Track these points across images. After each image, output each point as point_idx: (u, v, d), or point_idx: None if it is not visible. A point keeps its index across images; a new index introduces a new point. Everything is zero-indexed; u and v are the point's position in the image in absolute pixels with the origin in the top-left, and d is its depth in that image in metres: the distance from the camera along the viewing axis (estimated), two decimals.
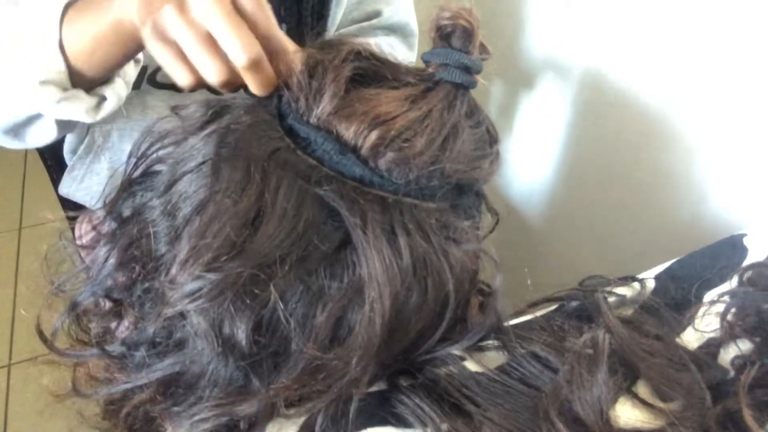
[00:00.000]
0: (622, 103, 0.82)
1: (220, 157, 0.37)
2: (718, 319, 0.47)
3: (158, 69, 0.69)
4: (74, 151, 0.76)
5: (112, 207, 0.41)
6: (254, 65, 0.41)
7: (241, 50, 0.40)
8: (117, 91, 0.54)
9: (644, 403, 0.39)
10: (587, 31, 0.86)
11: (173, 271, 0.35)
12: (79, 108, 0.52)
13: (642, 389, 0.40)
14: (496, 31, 1.02)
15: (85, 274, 0.41)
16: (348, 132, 0.37)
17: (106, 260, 0.39)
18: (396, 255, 0.35)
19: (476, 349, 0.42)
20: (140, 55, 0.56)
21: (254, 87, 0.41)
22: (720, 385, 0.42)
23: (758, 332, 0.45)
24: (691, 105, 0.73)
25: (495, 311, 0.41)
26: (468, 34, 0.39)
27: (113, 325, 0.41)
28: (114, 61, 0.51)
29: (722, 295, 0.49)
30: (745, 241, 0.57)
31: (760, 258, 0.54)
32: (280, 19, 0.70)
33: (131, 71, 0.56)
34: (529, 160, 1.05)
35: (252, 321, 0.35)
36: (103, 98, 0.54)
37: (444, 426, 0.36)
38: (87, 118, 0.53)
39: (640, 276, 0.53)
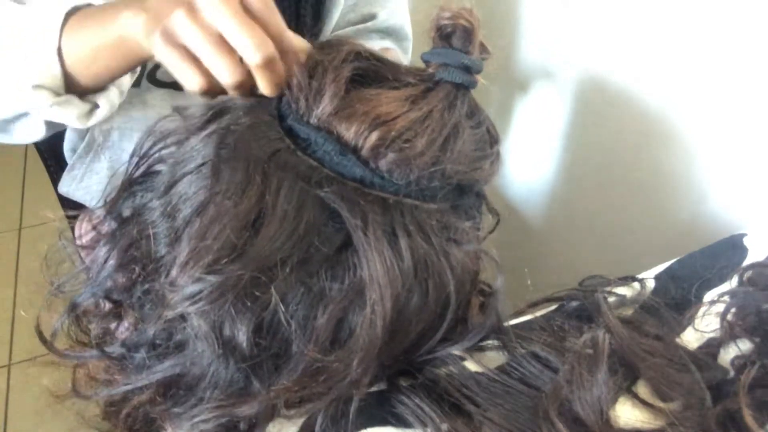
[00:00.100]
0: (622, 104, 0.82)
1: (220, 159, 0.36)
2: (718, 319, 0.47)
3: (157, 66, 0.69)
4: (74, 150, 0.76)
5: (112, 207, 0.41)
6: (268, 64, 0.40)
7: (254, 49, 0.40)
8: (110, 100, 0.54)
9: (644, 403, 0.39)
10: (587, 31, 0.86)
11: (173, 273, 0.35)
12: (71, 114, 0.52)
13: (642, 389, 0.40)
14: (496, 31, 1.02)
15: (85, 275, 0.41)
16: (348, 133, 0.37)
17: (105, 261, 0.39)
18: (397, 256, 0.35)
19: (476, 349, 0.42)
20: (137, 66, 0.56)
21: (266, 86, 0.41)
22: (720, 385, 0.42)
23: (758, 332, 0.45)
24: (690, 105, 0.73)
25: (495, 311, 0.41)
26: (468, 34, 0.39)
27: (113, 326, 0.41)
28: (112, 73, 0.51)
29: (722, 295, 0.49)
30: (745, 241, 0.57)
31: (760, 258, 0.54)
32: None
33: (127, 81, 0.56)
34: (529, 161, 1.05)
35: (253, 323, 0.35)
36: (96, 105, 0.54)
37: (444, 426, 0.36)
38: (78, 124, 0.53)
39: (640, 276, 0.53)
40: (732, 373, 0.43)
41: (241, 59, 0.41)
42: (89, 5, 0.52)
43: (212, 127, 0.38)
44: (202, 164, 0.37)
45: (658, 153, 0.79)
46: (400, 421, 0.37)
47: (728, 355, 0.45)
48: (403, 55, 0.81)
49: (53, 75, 0.50)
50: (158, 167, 0.40)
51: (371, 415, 0.37)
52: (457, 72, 0.38)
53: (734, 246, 0.57)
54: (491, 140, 0.42)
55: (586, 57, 0.87)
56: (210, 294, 0.34)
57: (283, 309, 0.34)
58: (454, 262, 0.38)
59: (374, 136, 0.36)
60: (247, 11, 0.41)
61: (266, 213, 0.35)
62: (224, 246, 0.34)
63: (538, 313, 0.47)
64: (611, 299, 0.48)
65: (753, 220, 0.69)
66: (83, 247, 0.42)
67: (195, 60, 0.42)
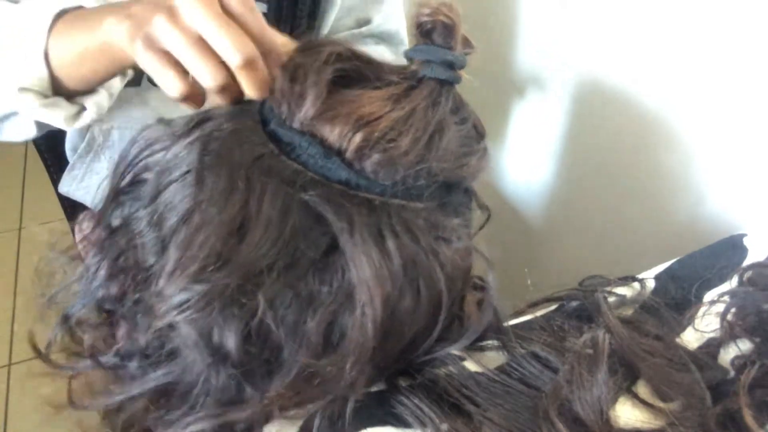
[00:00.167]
0: (621, 105, 0.82)
1: (204, 166, 0.36)
2: (718, 319, 0.47)
3: None
4: (76, 149, 0.76)
5: (101, 217, 0.40)
6: (249, 64, 0.40)
7: (234, 50, 0.40)
8: (99, 102, 0.54)
9: (644, 403, 0.39)
10: (585, 32, 0.86)
11: (160, 283, 0.35)
12: (58, 116, 0.52)
13: (642, 389, 0.40)
14: (495, 31, 1.02)
15: (78, 286, 0.40)
16: (332, 135, 0.36)
17: (96, 271, 0.39)
18: (385, 258, 0.35)
19: (476, 349, 0.42)
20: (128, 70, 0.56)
21: (250, 88, 0.41)
22: (720, 385, 0.42)
23: (758, 332, 0.45)
24: (689, 106, 0.73)
25: (492, 308, 0.41)
26: (449, 29, 0.38)
27: (106, 336, 0.41)
28: (98, 76, 0.51)
29: (722, 295, 0.49)
30: (745, 241, 0.57)
31: (760, 258, 0.54)
32: (278, 21, 0.71)
33: (117, 84, 0.56)
34: (529, 161, 1.05)
35: (241, 330, 0.34)
36: (84, 108, 0.54)
37: (444, 426, 0.36)
38: (65, 126, 0.53)
39: (640, 276, 0.53)
40: (732, 373, 0.43)
41: (223, 63, 0.41)
42: (79, 7, 0.52)
43: (195, 134, 0.38)
44: (187, 172, 0.37)
45: (658, 153, 0.79)
46: (400, 422, 0.37)
47: (728, 355, 0.45)
48: (399, 60, 0.81)
49: (40, 77, 0.50)
50: (144, 176, 0.39)
51: (371, 415, 0.37)
52: (440, 68, 0.38)
53: (734, 246, 0.57)
54: (477, 136, 0.42)
55: (585, 58, 0.87)
56: (197, 303, 0.34)
57: (271, 315, 0.34)
58: (443, 260, 0.37)
59: (358, 138, 0.36)
60: (228, 13, 0.41)
61: (251, 219, 0.34)
62: (210, 254, 0.34)
63: (538, 313, 0.47)
64: (611, 299, 0.48)
65: (753, 220, 0.69)
66: (83, 248, 0.42)
67: (177, 65, 0.42)
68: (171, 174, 0.37)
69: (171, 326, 0.35)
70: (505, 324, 0.43)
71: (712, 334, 0.46)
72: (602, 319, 0.43)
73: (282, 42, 0.44)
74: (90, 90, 0.54)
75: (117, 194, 0.40)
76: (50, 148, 0.85)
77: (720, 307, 0.47)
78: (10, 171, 1.95)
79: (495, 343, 0.42)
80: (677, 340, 0.46)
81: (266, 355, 0.35)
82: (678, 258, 0.55)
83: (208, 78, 0.41)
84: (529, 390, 0.39)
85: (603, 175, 0.89)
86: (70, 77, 0.51)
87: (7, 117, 0.55)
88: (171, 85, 0.43)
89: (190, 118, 0.40)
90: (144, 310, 0.37)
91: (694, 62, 0.71)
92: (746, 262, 0.54)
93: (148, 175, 0.39)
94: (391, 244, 0.35)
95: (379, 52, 0.78)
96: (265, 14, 0.68)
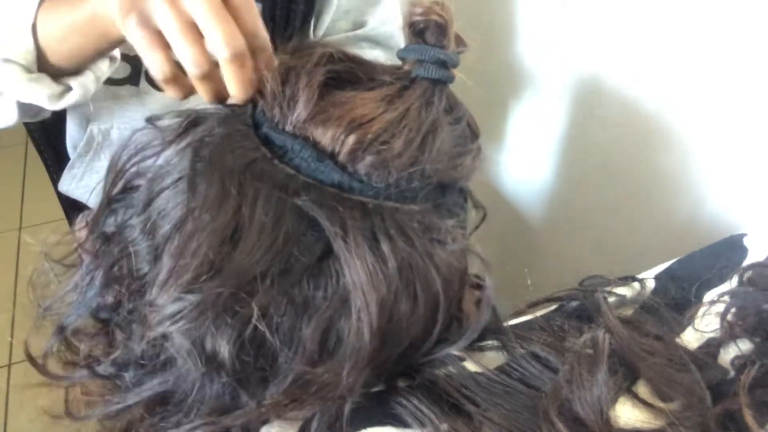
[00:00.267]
0: (620, 105, 0.82)
1: (196, 172, 0.36)
2: (718, 319, 0.46)
3: None
4: (76, 146, 0.76)
5: (94, 226, 0.40)
6: (236, 59, 0.40)
7: (223, 42, 0.39)
8: (84, 84, 0.54)
9: (644, 403, 0.39)
10: (584, 32, 0.86)
11: (153, 292, 0.35)
12: (41, 92, 0.52)
13: (642, 389, 0.40)
14: (495, 30, 1.02)
15: (73, 295, 0.40)
16: (325, 138, 0.36)
17: (91, 280, 0.39)
18: (380, 261, 0.34)
19: (476, 349, 0.41)
20: (117, 54, 0.56)
21: (233, 85, 0.40)
22: (720, 385, 0.42)
23: (758, 332, 0.45)
24: (689, 106, 0.73)
25: (490, 307, 0.41)
26: (441, 28, 0.38)
27: (103, 345, 0.41)
28: (84, 53, 0.51)
29: (722, 295, 0.49)
30: (745, 241, 0.57)
31: (760, 258, 0.54)
32: (272, 20, 0.70)
33: (105, 67, 0.55)
34: (529, 161, 1.05)
35: (235, 338, 0.34)
36: (69, 88, 0.54)
37: (443, 426, 0.36)
38: (48, 105, 0.52)
39: (640, 276, 0.53)
40: (732, 373, 0.43)
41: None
42: None
43: (187, 140, 0.37)
44: (179, 179, 0.36)
45: (658, 153, 0.79)
46: (399, 422, 0.37)
47: (728, 355, 0.45)
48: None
49: (26, 49, 0.50)
50: (137, 182, 0.39)
51: (370, 415, 0.37)
52: (433, 67, 0.38)
53: (734, 246, 0.57)
54: (472, 135, 0.42)
55: (584, 58, 0.87)
56: (190, 313, 0.33)
57: (265, 323, 0.34)
58: (439, 262, 0.37)
59: (351, 140, 0.35)
60: (227, 5, 0.41)
61: (243, 226, 0.34)
62: (203, 263, 0.34)
63: (538, 313, 0.47)
64: (611, 299, 0.48)
65: (753, 220, 0.69)
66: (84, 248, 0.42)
67: (165, 46, 0.42)
68: (163, 181, 0.37)
69: (165, 336, 0.35)
70: (505, 324, 0.43)
71: (712, 334, 0.46)
72: (602, 319, 0.43)
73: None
74: (77, 71, 0.53)
75: (109, 202, 0.40)
76: (50, 147, 0.86)
77: (720, 307, 0.47)
78: (10, 171, 1.95)
79: (495, 343, 0.42)
80: (677, 340, 0.45)
81: (261, 363, 0.35)
82: (678, 258, 0.55)
83: (190, 64, 0.41)
84: (529, 390, 0.39)
85: (603, 175, 0.89)
86: (56, 53, 0.51)
87: None
88: (157, 66, 0.42)
89: (179, 121, 0.39)
90: (138, 320, 0.37)
91: (694, 62, 0.71)
92: (746, 262, 0.54)
93: (140, 182, 0.39)
94: (385, 247, 0.35)
95: (374, 57, 0.78)
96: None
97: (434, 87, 0.38)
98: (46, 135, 0.84)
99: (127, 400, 0.37)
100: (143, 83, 0.71)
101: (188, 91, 0.44)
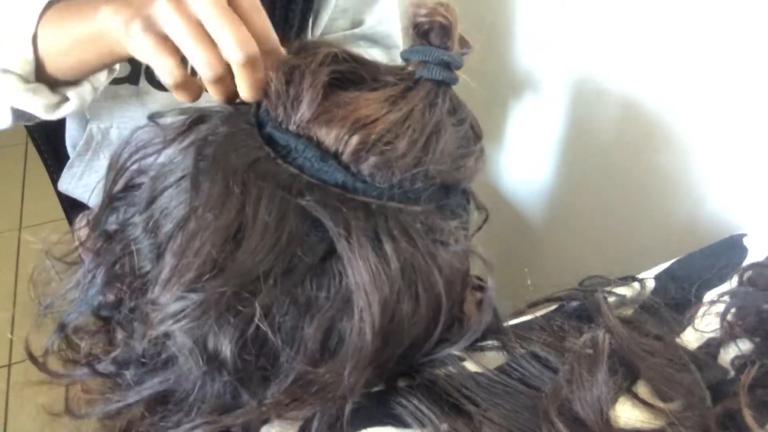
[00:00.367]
0: (620, 104, 0.82)
1: (199, 171, 0.36)
2: (718, 319, 0.46)
3: None
4: (76, 145, 0.76)
5: (95, 224, 0.40)
6: (250, 63, 0.40)
7: (238, 47, 0.39)
8: (81, 95, 0.53)
9: (644, 403, 0.39)
10: (584, 31, 0.86)
11: (156, 291, 0.35)
12: (38, 103, 0.51)
13: (642, 389, 0.40)
14: (494, 31, 1.02)
15: (74, 293, 0.40)
16: (328, 138, 0.36)
17: (93, 278, 0.39)
18: (382, 262, 0.35)
19: (476, 349, 0.41)
20: (116, 65, 0.55)
21: (246, 88, 0.40)
22: (720, 385, 0.42)
23: (758, 332, 0.45)
24: (688, 105, 0.73)
25: (491, 308, 0.41)
26: (446, 30, 0.38)
27: (104, 343, 0.40)
28: (86, 67, 0.50)
29: (722, 295, 0.49)
30: (745, 241, 0.57)
31: (760, 258, 0.54)
32: (270, 19, 0.70)
33: (103, 78, 0.55)
34: (529, 161, 1.05)
35: (237, 337, 0.34)
36: (66, 98, 0.53)
37: (443, 426, 0.36)
38: (44, 115, 0.52)
39: (640, 276, 0.53)
40: (732, 373, 0.43)
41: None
42: None
43: (190, 138, 0.37)
44: (182, 177, 0.36)
45: (658, 153, 0.79)
46: (399, 422, 0.37)
47: (728, 355, 0.45)
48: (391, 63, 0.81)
49: (25, 60, 0.49)
50: (138, 180, 0.39)
51: (370, 415, 0.37)
52: (437, 69, 0.38)
53: (734, 246, 0.57)
54: (475, 136, 0.42)
55: (584, 58, 0.87)
56: (192, 312, 0.33)
57: (267, 322, 0.34)
58: (441, 263, 0.37)
59: (355, 140, 0.35)
60: (234, 8, 0.40)
61: (247, 226, 0.34)
62: (205, 262, 0.34)
63: (538, 313, 0.47)
64: (611, 299, 0.48)
65: (753, 220, 0.69)
66: (82, 252, 0.42)
67: (174, 51, 0.41)
68: (166, 179, 0.37)
69: (166, 334, 0.35)
70: (505, 324, 0.43)
71: (712, 334, 0.46)
72: (602, 319, 0.43)
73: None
74: (74, 81, 0.53)
75: (110, 200, 0.40)
76: (50, 147, 0.86)
77: (720, 307, 0.47)
78: (10, 171, 1.95)
79: (495, 343, 0.42)
80: (677, 340, 0.46)
81: (263, 362, 0.35)
82: (678, 258, 0.55)
83: (206, 67, 0.40)
84: (529, 390, 0.39)
85: (603, 175, 0.89)
86: (56, 66, 0.50)
87: None
88: (167, 71, 0.42)
89: (183, 119, 0.39)
90: (140, 318, 0.37)
91: (694, 62, 0.71)
92: (746, 262, 0.54)
93: (142, 180, 0.39)
94: (388, 248, 0.35)
95: (372, 55, 0.78)
96: None
97: (438, 88, 0.38)
98: (46, 135, 0.84)
99: (128, 399, 0.37)
100: (143, 83, 0.70)
101: (198, 95, 0.44)
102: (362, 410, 0.37)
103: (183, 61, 0.42)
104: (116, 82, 0.70)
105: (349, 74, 0.39)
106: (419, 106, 0.37)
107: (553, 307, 0.49)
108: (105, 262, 0.38)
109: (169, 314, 0.34)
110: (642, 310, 0.48)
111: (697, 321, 0.47)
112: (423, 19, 0.38)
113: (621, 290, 0.50)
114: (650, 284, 0.51)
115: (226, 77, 0.41)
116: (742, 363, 0.43)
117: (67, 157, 0.79)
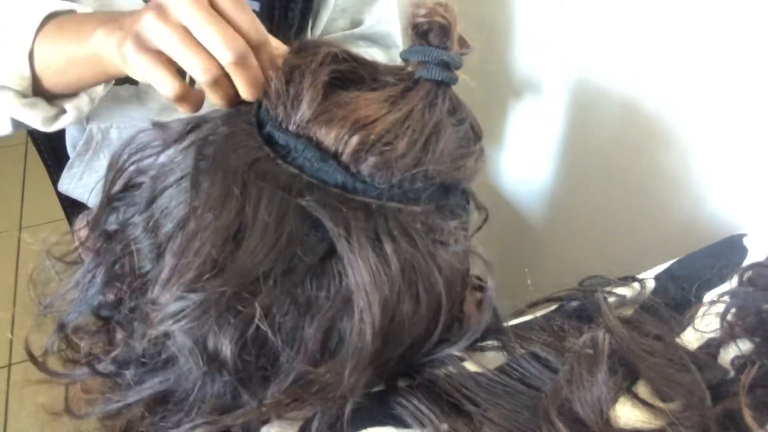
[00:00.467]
0: (620, 104, 0.82)
1: (199, 171, 0.36)
2: (718, 319, 0.46)
3: None
4: (75, 146, 0.76)
5: (95, 223, 0.40)
6: (241, 61, 0.39)
7: (225, 47, 0.39)
8: (79, 106, 0.54)
9: (644, 403, 0.39)
10: (583, 31, 0.86)
11: (156, 291, 0.35)
12: (36, 116, 0.52)
13: (642, 389, 0.40)
14: (494, 31, 1.02)
15: (74, 293, 0.40)
16: (328, 138, 0.36)
17: (93, 278, 0.39)
18: (383, 262, 0.35)
19: (476, 349, 0.41)
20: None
21: (243, 87, 0.40)
22: (720, 385, 0.42)
23: (758, 332, 0.45)
24: (688, 105, 0.73)
25: (491, 308, 0.41)
26: (445, 30, 0.38)
27: (104, 343, 0.40)
28: (84, 83, 0.51)
29: (722, 295, 0.49)
30: (745, 241, 0.57)
31: (760, 258, 0.54)
32: (270, 19, 0.70)
33: (100, 89, 0.55)
34: (528, 161, 1.05)
35: (237, 338, 0.34)
36: (63, 110, 0.53)
37: (443, 426, 0.36)
38: (42, 127, 0.53)
39: (640, 276, 0.53)
40: (732, 373, 0.43)
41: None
42: (71, 11, 0.52)
43: (191, 138, 0.37)
44: (182, 177, 0.36)
45: (658, 153, 0.79)
46: (399, 422, 0.37)
47: (728, 355, 0.45)
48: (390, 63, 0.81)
49: (22, 77, 0.50)
50: (138, 180, 0.39)
51: (370, 415, 0.37)
52: (437, 69, 0.38)
53: (734, 246, 0.57)
54: (475, 137, 0.42)
55: (584, 58, 0.87)
56: (192, 312, 0.33)
57: (267, 322, 0.34)
58: (441, 263, 0.37)
59: (354, 141, 0.35)
60: (217, 10, 0.40)
61: (246, 226, 0.34)
62: (205, 261, 0.34)
63: (538, 313, 0.47)
64: (611, 299, 0.48)
65: (753, 220, 0.69)
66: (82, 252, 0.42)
67: (169, 63, 0.41)
68: (166, 179, 0.37)
69: (166, 334, 0.35)
70: (505, 324, 0.43)
71: (712, 334, 0.46)
72: (602, 319, 0.43)
73: (274, 45, 0.43)
74: (71, 94, 0.53)
75: (110, 200, 0.40)
76: (50, 147, 0.86)
77: (720, 307, 0.47)
78: (10, 171, 1.95)
79: (495, 343, 0.42)
80: (677, 340, 0.46)
81: (263, 362, 0.35)
82: (678, 258, 0.55)
83: (200, 71, 0.40)
84: (529, 390, 0.39)
85: (603, 174, 0.89)
86: (53, 81, 0.51)
87: None
88: (165, 84, 0.42)
89: (186, 121, 0.39)
90: (140, 318, 0.37)
91: (694, 62, 0.71)
92: (746, 262, 0.54)
93: (142, 179, 0.39)
94: (388, 248, 0.35)
95: (371, 55, 0.78)
96: (256, 13, 0.68)
97: (437, 88, 0.38)
98: (46, 135, 0.84)
99: (128, 399, 0.37)
100: (142, 83, 0.70)
101: (200, 105, 0.44)
102: (362, 410, 0.37)
103: (180, 73, 0.42)
104: (116, 82, 0.70)
105: (349, 74, 0.39)
106: (419, 106, 0.37)
107: (553, 307, 0.49)
108: (105, 262, 0.38)
109: (169, 314, 0.34)
110: (642, 310, 0.48)
111: (697, 321, 0.47)
112: (422, 20, 0.38)
113: (621, 290, 0.50)
114: (650, 284, 0.51)
115: (223, 80, 0.41)
116: (742, 363, 0.43)
117: (67, 157, 0.79)
